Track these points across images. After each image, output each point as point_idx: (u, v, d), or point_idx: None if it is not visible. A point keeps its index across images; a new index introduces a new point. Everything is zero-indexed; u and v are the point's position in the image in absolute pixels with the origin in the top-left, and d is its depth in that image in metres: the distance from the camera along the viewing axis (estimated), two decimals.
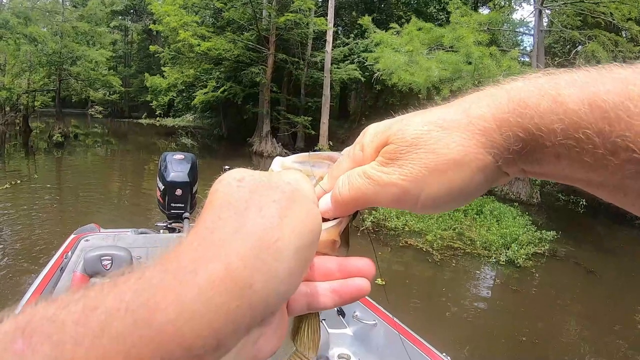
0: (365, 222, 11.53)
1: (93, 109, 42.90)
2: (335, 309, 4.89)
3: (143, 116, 37.53)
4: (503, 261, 10.01)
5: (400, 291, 8.67)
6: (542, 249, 10.94)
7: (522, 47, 23.28)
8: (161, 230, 7.03)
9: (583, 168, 0.37)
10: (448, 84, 15.22)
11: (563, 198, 16.70)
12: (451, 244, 10.82)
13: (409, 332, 4.19)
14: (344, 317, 5.01)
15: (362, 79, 21.20)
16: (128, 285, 0.31)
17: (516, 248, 10.48)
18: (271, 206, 0.37)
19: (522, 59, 18.36)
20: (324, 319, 4.73)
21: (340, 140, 23.12)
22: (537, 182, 16.81)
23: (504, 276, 9.64)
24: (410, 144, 0.41)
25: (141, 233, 6.25)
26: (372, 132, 0.46)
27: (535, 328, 7.57)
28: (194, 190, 7.19)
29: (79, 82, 26.95)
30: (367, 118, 23.38)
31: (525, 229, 11.97)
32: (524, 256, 10.20)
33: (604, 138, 0.35)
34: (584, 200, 15.60)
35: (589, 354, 6.92)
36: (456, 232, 11.58)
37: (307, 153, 0.54)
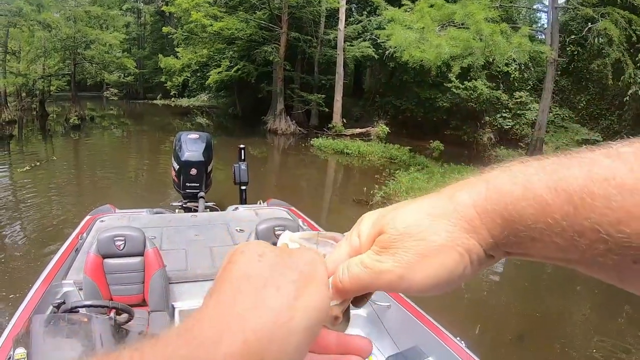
0: (375, 196, 12.09)
1: (108, 92, 43.52)
2: None
3: (158, 97, 37.97)
4: None
5: None
6: None
7: (540, 25, 23.12)
8: (176, 210, 7.53)
9: (558, 249, 0.40)
10: (459, 60, 15.47)
11: None
12: None
13: (422, 315, 4.28)
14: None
15: (376, 56, 21.33)
16: (156, 357, 0.35)
17: None
18: (289, 286, 0.40)
19: (540, 37, 18.38)
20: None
21: (354, 118, 23.43)
22: None
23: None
24: (402, 233, 0.44)
25: (156, 213, 6.46)
26: (368, 221, 0.49)
27: (546, 304, 7.90)
28: (208, 170, 7.83)
29: (94, 65, 27.41)
30: (382, 96, 23.67)
31: None
32: None
33: (570, 221, 0.37)
34: None
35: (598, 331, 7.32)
36: None
37: (314, 232, 0.58)
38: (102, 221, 5.59)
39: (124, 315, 3.30)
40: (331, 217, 11.68)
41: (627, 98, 13.77)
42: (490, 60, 15.92)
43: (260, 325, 0.37)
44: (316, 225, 6.08)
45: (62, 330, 2.68)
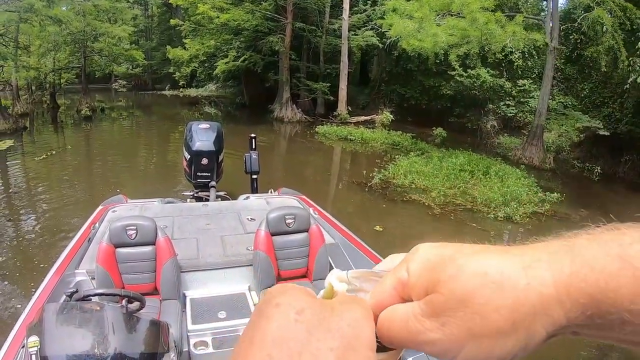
0: (374, 179, 12.87)
1: (117, 83, 44.26)
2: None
3: (166, 88, 38.68)
4: (501, 217, 10.95)
5: (397, 238, 9.89)
6: (543, 209, 11.78)
7: (545, 13, 23.63)
8: (188, 200, 7.68)
9: None
10: (455, 49, 16.29)
11: (578, 165, 17.27)
12: (453, 200, 11.80)
13: None
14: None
15: (380, 45, 22.12)
16: None
17: (515, 206, 11.39)
18: (328, 356, 0.37)
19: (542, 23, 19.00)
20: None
21: (360, 106, 24.26)
22: (551, 148, 17.66)
23: (498, 230, 10.62)
24: (459, 301, 0.38)
25: (168, 202, 6.58)
26: (422, 260, 0.43)
27: None
28: (219, 159, 7.94)
29: (103, 57, 28.12)
30: (387, 84, 24.45)
31: (528, 189, 12.81)
32: (522, 214, 11.13)
33: None
34: (599, 168, 16.19)
35: None
36: (460, 190, 12.52)
37: (367, 271, 0.54)
38: (114, 211, 5.76)
39: (136, 304, 3.30)
40: (334, 201, 12.39)
41: (627, 86, 14.38)
42: (487, 48, 16.69)
43: None
44: (328, 215, 6.28)
45: (74, 318, 2.73)
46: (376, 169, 13.75)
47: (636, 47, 13.62)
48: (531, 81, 21.01)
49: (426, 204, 11.53)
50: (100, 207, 6.04)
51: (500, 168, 14.44)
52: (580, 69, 20.62)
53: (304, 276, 5.08)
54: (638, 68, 12.93)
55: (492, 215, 11.12)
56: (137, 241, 4.26)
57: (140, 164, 15.73)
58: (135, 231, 4.24)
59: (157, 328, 3.04)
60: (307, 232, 4.96)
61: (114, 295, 3.37)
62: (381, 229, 9.94)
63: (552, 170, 16.75)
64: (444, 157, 14.99)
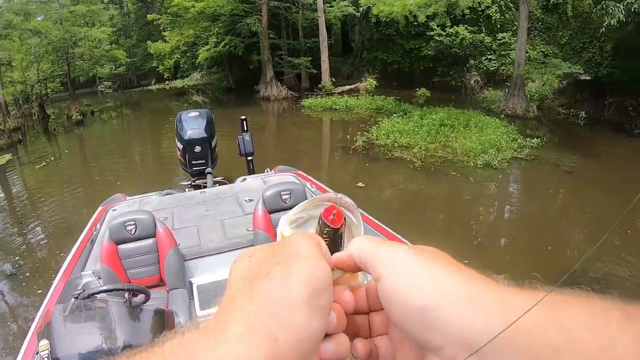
0: (358, 142, 13.60)
1: (102, 85, 44.22)
2: None
3: (152, 82, 38.82)
4: (480, 164, 11.70)
5: (378, 191, 10.77)
6: (523, 154, 12.51)
7: None
8: (186, 189, 7.77)
9: None
10: (424, 9, 16.94)
11: (563, 112, 17.90)
12: (434, 153, 12.51)
13: None
14: None
15: (357, 14, 22.85)
16: (173, 349, 0.40)
17: (494, 153, 12.09)
18: (276, 269, 0.45)
19: None
20: None
21: (345, 76, 24.91)
22: (534, 97, 18.30)
23: (478, 176, 11.33)
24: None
25: (166, 194, 6.65)
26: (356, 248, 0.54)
27: (496, 220, 9.67)
28: (212, 145, 8.05)
29: (86, 61, 28.36)
30: (369, 51, 25.10)
31: (507, 137, 13.46)
32: (500, 159, 11.83)
33: None
34: (583, 112, 16.81)
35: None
36: (441, 144, 13.19)
37: (305, 202, 0.65)
38: (114, 210, 5.81)
39: (141, 296, 3.41)
40: (322, 167, 13.12)
41: (603, 29, 14.98)
42: (454, 6, 17.34)
43: (260, 310, 0.42)
44: (324, 186, 6.44)
45: (80, 316, 2.81)
46: (358, 133, 14.53)
47: None
48: (511, 34, 21.51)
49: (408, 159, 12.24)
50: (100, 208, 6.21)
51: (480, 119, 15.16)
52: (559, 17, 21.09)
53: None
54: (611, 11, 13.45)
55: (472, 163, 11.82)
56: (137, 235, 4.38)
57: (136, 160, 16.23)
58: (134, 226, 4.36)
59: (162, 316, 3.20)
60: None
61: (118, 290, 3.40)
62: (363, 185, 10.71)
63: (537, 118, 17.39)
64: (425, 115, 15.70)
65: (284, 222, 0.65)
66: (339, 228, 0.61)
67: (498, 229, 9.13)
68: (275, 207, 4.89)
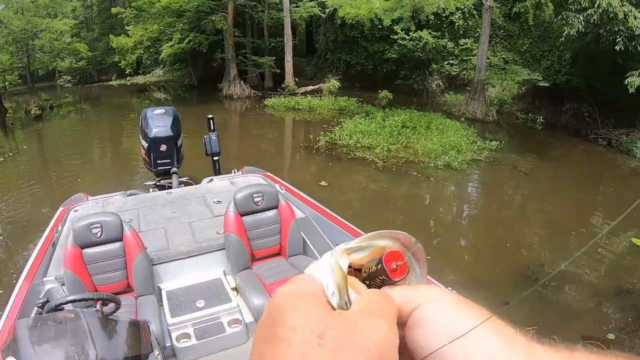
0: (320, 141, 13.72)
1: (62, 79, 43.39)
2: None
3: (113, 78, 38.13)
4: (441, 165, 12.07)
5: (340, 190, 10.94)
6: (482, 156, 12.93)
7: None
8: (150, 189, 7.55)
9: None
10: (390, 13, 17.21)
11: (522, 116, 18.51)
12: (396, 154, 12.76)
13: None
14: None
15: (322, 15, 23.01)
16: None
17: (454, 154, 12.46)
18: None
19: None
20: None
21: (308, 76, 25.04)
22: (494, 102, 18.79)
23: (438, 177, 11.68)
24: None
25: (130, 195, 6.42)
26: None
27: (456, 219, 9.98)
28: (178, 144, 7.85)
29: (47, 54, 27.53)
30: (332, 53, 25.25)
31: (467, 139, 13.89)
32: (460, 161, 12.20)
33: None
34: (541, 117, 17.55)
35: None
36: (403, 145, 13.45)
37: (364, 239, 0.54)
38: (75, 211, 5.58)
39: (111, 305, 3.18)
40: (285, 166, 13.27)
41: (563, 39, 15.47)
42: (419, 11, 17.68)
43: None
44: (294, 189, 6.26)
45: (49, 331, 2.63)
46: (322, 133, 14.62)
47: (568, 1, 14.66)
48: (473, 40, 21.97)
49: (370, 159, 12.46)
50: (61, 209, 5.93)
51: (441, 122, 15.50)
52: (521, 26, 21.76)
53: (278, 254, 5.13)
54: (571, 22, 13.91)
55: (433, 164, 12.14)
56: (103, 239, 4.20)
57: (96, 157, 15.88)
58: (100, 229, 4.17)
59: (137, 328, 3.04)
60: (276, 208, 4.97)
61: (87, 299, 3.20)
62: (326, 184, 10.88)
63: (496, 122, 17.93)
64: (387, 117, 15.93)
65: (340, 252, 0.53)
66: (395, 282, 0.53)
67: (458, 228, 9.42)
68: (248, 209, 4.82)
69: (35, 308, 3.26)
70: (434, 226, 9.31)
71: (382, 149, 13.04)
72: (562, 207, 10.20)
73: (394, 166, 12.11)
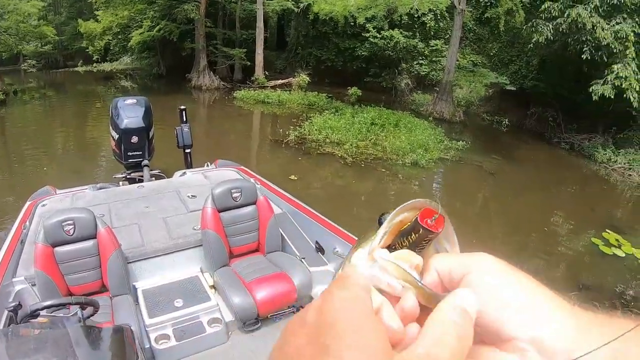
0: (290, 135, 13.86)
1: (26, 64, 42.63)
2: (314, 246, 5.18)
3: (79, 64, 37.31)
4: (408, 163, 12.40)
5: (310, 184, 11.11)
6: (448, 155, 13.33)
7: None
8: (120, 182, 7.31)
9: None
10: (364, 11, 17.37)
11: (488, 118, 19.10)
12: (365, 150, 13.00)
13: None
14: (323, 254, 5.09)
15: (295, 9, 23.02)
16: None
17: (421, 152, 12.79)
18: None
19: None
20: (304, 258, 4.98)
21: (278, 70, 25.03)
22: (461, 103, 19.34)
23: (406, 174, 11.98)
24: None
25: (100, 188, 6.15)
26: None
27: None
28: (150, 136, 7.55)
29: (12, 37, 26.65)
30: (303, 48, 25.29)
31: (435, 138, 14.27)
32: (427, 159, 12.53)
33: None
34: (506, 120, 18.12)
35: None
36: (371, 141, 13.69)
37: (388, 218, 0.53)
38: (44, 205, 5.36)
39: (89, 309, 3.02)
40: (254, 160, 13.26)
41: (531, 45, 15.87)
42: (393, 11, 17.89)
43: None
44: (269, 183, 6.20)
45: (26, 342, 2.39)
46: (291, 127, 14.74)
47: (539, 9, 15.09)
48: (443, 41, 22.30)
49: (339, 155, 12.64)
50: (28, 203, 5.65)
51: (409, 121, 15.80)
52: (491, 30, 22.24)
53: (256, 250, 5.07)
54: (540, 29, 14.28)
55: (401, 162, 12.47)
56: (76, 237, 4.00)
57: (62, 147, 15.39)
58: (72, 226, 3.97)
59: (122, 335, 2.89)
60: (254, 204, 4.90)
61: (65, 304, 3.03)
62: (296, 178, 10.99)
63: (463, 123, 18.33)
64: (357, 113, 16.12)
65: (377, 249, 0.53)
66: (437, 233, 0.53)
67: None
68: (225, 205, 4.73)
69: (6, 312, 3.10)
70: None
71: (351, 145, 13.24)
72: (525, 207, 10.52)
73: (362, 162, 12.33)
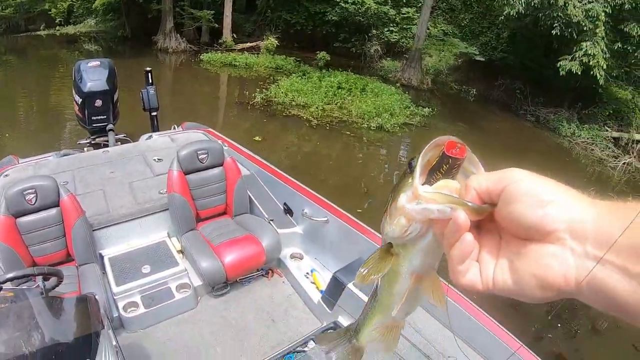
0: (256, 98, 13.80)
1: None
2: (282, 207, 5.22)
3: (41, 27, 36.68)
4: (373, 127, 12.63)
5: (273, 145, 11.16)
6: (414, 120, 13.60)
7: None
8: (85, 148, 7.22)
9: None
10: None
11: (456, 87, 19.26)
12: (330, 114, 13.14)
13: (362, 226, 4.34)
14: (292, 216, 5.14)
15: None
16: None
17: (387, 117, 13.00)
18: None
19: None
20: (272, 220, 5.01)
21: (247, 33, 24.61)
22: (430, 71, 19.35)
23: (370, 137, 12.18)
24: None
25: (64, 155, 5.98)
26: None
27: (386, 178, 10.41)
28: (115, 99, 7.46)
29: None
30: (273, 10, 24.87)
31: (401, 104, 14.42)
32: (393, 124, 12.76)
33: None
34: (474, 90, 18.33)
35: None
36: (338, 105, 13.80)
37: (419, 160, 0.64)
38: (6, 175, 5.13)
39: (53, 279, 2.91)
40: (220, 122, 13.27)
41: (502, 18, 15.93)
42: None
43: None
44: (237, 145, 6.15)
45: None
46: (257, 89, 14.67)
47: None
48: (415, 9, 22.10)
49: (304, 117, 12.75)
50: None
51: (376, 86, 15.93)
52: (464, 1, 22.45)
53: (223, 213, 5.04)
54: (512, 2, 14.33)
55: (366, 125, 12.69)
56: (38, 206, 3.92)
57: (25, 116, 14.73)
58: (34, 194, 3.88)
59: (85, 304, 2.75)
60: (222, 166, 4.86)
61: (28, 275, 2.90)
62: (260, 139, 11.07)
63: (431, 90, 18.45)
64: (324, 77, 16.15)
65: (424, 193, 0.62)
66: (464, 159, 0.63)
67: (389, 187, 9.58)
68: (192, 167, 4.68)
69: None
70: (365, 183, 9.67)
71: (317, 108, 13.34)
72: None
73: (327, 125, 12.48)
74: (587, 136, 14.64)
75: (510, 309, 5.84)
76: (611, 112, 15.63)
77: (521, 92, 17.24)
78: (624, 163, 13.10)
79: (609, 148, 14.19)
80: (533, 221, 0.54)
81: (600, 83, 13.57)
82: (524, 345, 3.07)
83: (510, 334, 3.25)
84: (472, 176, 0.63)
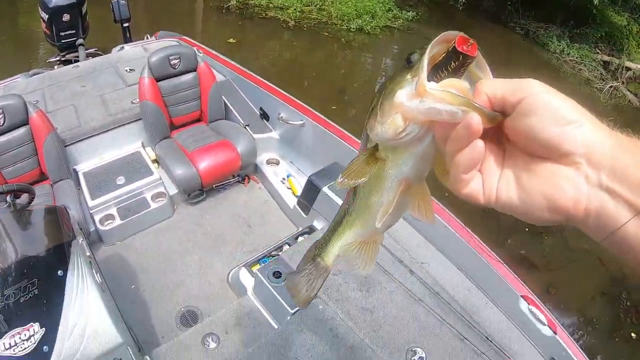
0: (231, 1, 13.25)
1: None
2: (258, 112, 5.13)
3: None
4: (353, 28, 12.25)
5: (249, 47, 10.88)
6: (396, 24, 13.19)
7: None
8: (55, 66, 6.72)
9: None
10: None
11: None
12: (309, 15, 12.70)
13: (338, 129, 4.31)
14: (268, 121, 5.06)
15: None
16: None
17: (368, 19, 12.63)
18: None
19: None
20: (248, 125, 4.91)
21: None
22: None
23: (350, 39, 11.90)
24: None
25: (33, 75, 5.75)
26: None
27: (363, 79, 10.33)
28: (83, 12, 6.96)
29: None
30: None
31: (383, 6, 13.89)
32: (373, 26, 12.44)
33: None
34: None
35: None
36: (317, 7, 13.24)
37: (425, 52, 0.56)
38: None
39: (24, 197, 2.86)
40: (195, 26, 12.94)
41: None
42: None
43: None
44: (212, 51, 5.95)
45: None
46: None
47: None
48: None
49: (282, 19, 12.26)
50: None
51: None
52: None
53: (198, 120, 4.97)
54: None
55: (346, 27, 12.32)
56: (7, 126, 3.79)
57: None
58: (2, 115, 3.74)
59: (55, 215, 2.75)
60: (195, 71, 4.71)
61: None
62: (235, 41, 10.71)
63: None
64: None
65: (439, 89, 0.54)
66: (475, 57, 0.55)
67: (367, 88, 9.71)
68: (164, 74, 4.47)
69: None
70: (342, 83, 9.72)
71: (295, 9, 12.82)
72: None
73: (305, 26, 12.13)
74: (576, 55, 14.32)
75: (480, 212, 5.79)
76: (603, 34, 15.19)
77: (513, 5, 16.56)
78: (610, 86, 12.95)
79: (597, 70, 13.97)
80: (551, 138, 0.51)
81: (595, 3, 13.14)
82: (493, 254, 3.18)
83: (482, 242, 3.29)
84: (483, 80, 0.56)
